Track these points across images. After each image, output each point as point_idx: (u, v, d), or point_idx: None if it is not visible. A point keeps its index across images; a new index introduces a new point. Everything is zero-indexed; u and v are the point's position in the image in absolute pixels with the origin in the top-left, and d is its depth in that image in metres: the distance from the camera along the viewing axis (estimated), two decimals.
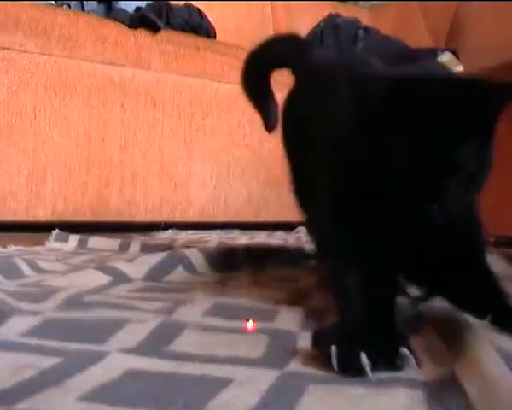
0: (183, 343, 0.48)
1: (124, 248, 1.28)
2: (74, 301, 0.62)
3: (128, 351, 0.44)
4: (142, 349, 0.45)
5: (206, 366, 0.42)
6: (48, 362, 0.41)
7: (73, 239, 1.33)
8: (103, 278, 0.79)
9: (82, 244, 1.31)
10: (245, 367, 0.42)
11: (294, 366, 0.42)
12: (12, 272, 0.81)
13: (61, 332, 0.49)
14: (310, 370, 0.41)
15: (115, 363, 0.41)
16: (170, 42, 1.93)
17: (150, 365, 0.42)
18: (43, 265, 0.92)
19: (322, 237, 0.60)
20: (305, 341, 0.48)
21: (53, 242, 1.32)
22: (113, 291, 0.72)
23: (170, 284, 0.82)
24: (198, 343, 0.48)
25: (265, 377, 0.39)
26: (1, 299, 0.60)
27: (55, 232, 1.36)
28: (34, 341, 0.46)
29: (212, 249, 1.03)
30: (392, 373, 0.40)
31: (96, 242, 1.33)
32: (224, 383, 0.38)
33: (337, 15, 2.82)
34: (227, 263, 0.95)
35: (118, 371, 0.39)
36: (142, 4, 2.09)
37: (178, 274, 0.87)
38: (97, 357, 0.42)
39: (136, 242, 1.34)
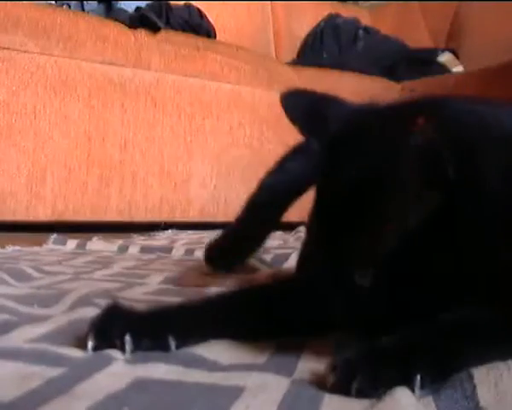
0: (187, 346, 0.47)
1: (122, 250, 1.28)
2: (82, 304, 0.61)
3: (134, 355, 0.44)
4: (147, 352, 0.45)
5: (214, 374, 0.41)
6: (54, 370, 0.40)
7: (72, 242, 1.33)
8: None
9: (80, 247, 1.31)
10: (253, 374, 0.40)
11: (302, 372, 0.41)
12: (21, 275, 0.81)
13: (67, 337, 0.48)
14: (320, 378, 0.40)
15: (121, 370, 0.41)
16: (170, 42, 1.93)
17: (156, 371, 0.41)
18: (47, 267, 0.91)
19: None
20: (312, 344, 0.48)
21: (51, 245, 1.32)
22: (125, 294, 0.72)
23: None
24: (202, 346, 0.47)
25: (277, 385, 0.38)
26: (9, 307, 0.60)
27: (54, 236, 1.35)
28: (39, 348, 0.46)
29: None
30: None
31: (94, 245, 1.33)
32: (235, 392, 0.37)
33: (337, 15, 2.82)
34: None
35: (126, 380, 0.38)
36: (142, 4, 2.09)
37: (195, 275, 0.87)
38: (104, 363, 0.41)
39: (135, 244, 1.34)
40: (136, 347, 0.44)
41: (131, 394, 0.37)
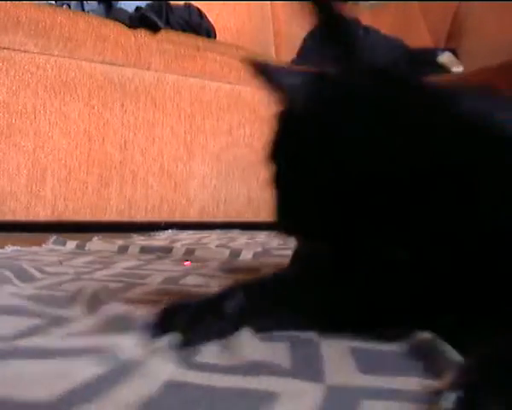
0: (203, 351, 0.46)
1: (122, 250, 1.28)
2: (93, 304, 0.61)
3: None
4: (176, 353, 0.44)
5: (244, 378, 0.40)
6: (87, 371, 0.40)
7: (71, 243, 1.33)
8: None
9: (80, 247, 1.31)
10: (284, 379, 0.40)
11: (333, 377, 0.41)
12: (25, 275, 0.81)
13: (91, 338, 0.48)
14: (353, 382, 0.39)
15: (152, 372, 0.40)
16: (170, 42, 1.93)
17: (183, 375, 0.41)
18: (48, 268, 0.91)
19: None
20: (329, 350, 0.47)
21: (51, 245, 1.32)
22: (125, 294, 0.72)
23: (186, 286, 0.81)
24: (219, 350, 0.47)
25: (311, 391, 0.38)
26: (34, 309, 0.60)
27: (53, 237, 1.35)
28: (77, 346, 0.46)
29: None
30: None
31: (94, 245, 1.32)
32: (271, 397, 0.36)
33: None
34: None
35: (157, 383, 0.38)
36: (142, 4, 2.09)
37: (194, 278, 0.86)
38: (133, 365, 0.41)
39: (135, 244, 1.34)
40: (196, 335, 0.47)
41: (166, 397, 0.37)
